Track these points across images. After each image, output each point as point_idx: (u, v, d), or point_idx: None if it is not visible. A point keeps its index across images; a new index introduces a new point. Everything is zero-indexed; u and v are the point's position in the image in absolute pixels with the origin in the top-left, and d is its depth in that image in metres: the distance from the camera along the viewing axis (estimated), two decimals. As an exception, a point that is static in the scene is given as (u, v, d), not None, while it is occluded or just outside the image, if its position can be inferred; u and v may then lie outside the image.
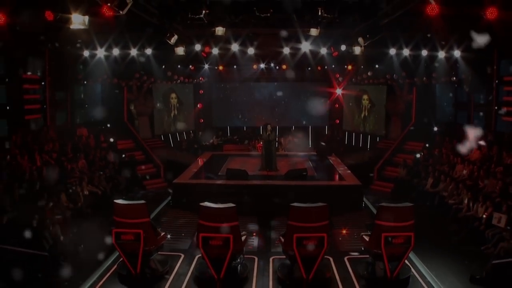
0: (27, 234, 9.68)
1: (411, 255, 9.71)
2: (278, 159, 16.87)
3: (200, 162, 18.58)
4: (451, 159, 15.29)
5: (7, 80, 15.08)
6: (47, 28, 11.66)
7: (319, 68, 21.96)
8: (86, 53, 17.34)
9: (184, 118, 23.75)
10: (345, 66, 21.60)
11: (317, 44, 17.11)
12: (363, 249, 9.62)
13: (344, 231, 12.41)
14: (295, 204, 8.73)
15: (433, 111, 19.85)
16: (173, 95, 23.03)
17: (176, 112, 23.30)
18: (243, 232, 9.36)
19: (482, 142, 14.80)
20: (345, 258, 10.05)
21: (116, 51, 17.35)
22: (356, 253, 10.26)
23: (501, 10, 9.93)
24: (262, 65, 21.17)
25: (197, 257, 9.99)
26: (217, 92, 24.78)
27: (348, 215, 13.49)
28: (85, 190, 13.58)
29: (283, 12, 13.06)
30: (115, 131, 19.58)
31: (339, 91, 23.90)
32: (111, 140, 18.68)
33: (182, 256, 10.25)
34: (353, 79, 22.80)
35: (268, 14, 11.99)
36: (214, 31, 14.09)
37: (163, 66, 20.24)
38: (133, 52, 17.55)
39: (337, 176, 15.96)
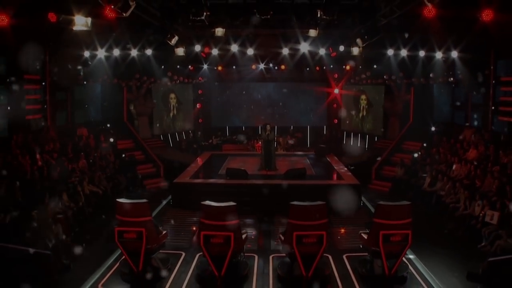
0: (30, 233, 9.81)
1: (409, 253, 9.86)
2: (277, 158, 17.02)
3: (199, 161, 18.72)
4: (449, 158, 15.44)
5: (8, 80, 15.17)
6: (49, 29, 11.74)
7: (317, 68, 22.10)
8: (86, 53, 17.44)
9: (184, 118, 23.86)
10: (344, 67, 21.74)
11: (315, 44, 17.25)
12: (361, 247, 9.75)
13: (342, 230, 12.57)
14: (295, 202, 8.87)
15: (431, 111, 20.01)
16: (172, 95, 23.14)
17: (175, 112, 23.41)
18: (244, 230, 9.50)
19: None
20: (344, 256, 10.19)
21: (116, 52, 17.46)
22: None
23: (496, 12, 10.10)
24: (261, 66, 21.28)
25: (198, 255, 10.11)
26: (216, 92, 24.89)
27: (346, 214, 13.63)
28: (86, 190, 13.70)
29: (282, 13, 13.22)
30: (115, 131, 19.68)
31: (337, 91, 24.06)
32: (111, 140, 18.77)
33: (183, 254, 10.37)
34: (352, 80, 22.95)
35: (268, 16, 12.12)
36: (214, 32, 14.20)
37: (162, 67, 20.35)
38: (134, 52, 17.67)
39: (335, 176, 16.11)
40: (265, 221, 12.95)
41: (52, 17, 10.25)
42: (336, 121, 24.41)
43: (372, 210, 13.13)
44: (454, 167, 14.64)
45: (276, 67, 21.88)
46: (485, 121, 16.78)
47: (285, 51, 18.04)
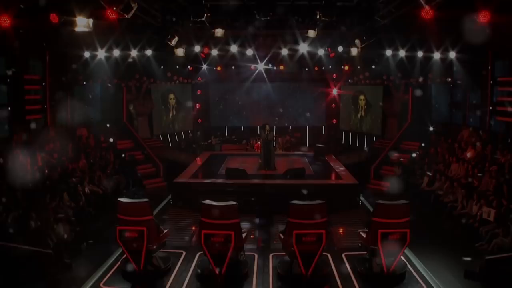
0: (31, 232, 9.89)
1: (407, 251, 9.96)
2: (276, 158, 17.11)
3: (199, 161, 18.81)
4: (447, 158, 15.54)
5: (8, 80, 15.24)
6: (50, 30, 11.81)
7: (316, 68, 22.18)
8: (86, 54, 17.51)
9: (183, 118, 23.94)
10: (342, 67, 21.83)
11: (314, 45, 17.35)
12: (360, 245, 9.85)
13: (341, 229, 12.67)
14: (295, 201, 8.97)
15: (429, 111, 20.12)
16: (172, 96, 23.21)
17: (174, 112, 23.48)
18: (244, 229, 9.59)
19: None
20: (343, 255, 10.29)
21: (116, 52, 17.54)
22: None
23: (493, 13, 10.21)
24: (261, 66, 21.37)
25: (198, 254, 10.21)
26: (215, 93, 24.96)
27: (345, 213, 13.76)
28: (87, 190, 13.77)
29: (281, 14, 13.32)
30: (114, 131, 19.74)
31: (336, 92, 24.17)
32: (111, 140, 18.83)
33: (184, 253, 10.47)
34: (350, 80, 23.06)
35: (268, 18, 12.22)
36: (214, 32, 14.29)
37: (162, 67, 20.43)
38: (134, 53, 17.75)
39: (334, 175, 16.22)
40: (265, 220, 13.04)
41: (54, 18, 10.33)
42: (335, 121, 24.50)
43: (371, 209, 13.22)
44: (452, 166, 14.76)
45: (275, 68, 21.96)
46: (482, 121, 16.89)
47: (284, 51, 18.14)
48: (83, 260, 9.90)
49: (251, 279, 9.23)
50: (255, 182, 14.88)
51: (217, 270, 8.75)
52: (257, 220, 13.05)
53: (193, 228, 12.57)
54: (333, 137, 23.86)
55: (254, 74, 22.48)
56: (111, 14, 9.99)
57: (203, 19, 11.79)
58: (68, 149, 15.81)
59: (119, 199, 9.38)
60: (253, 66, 21.58)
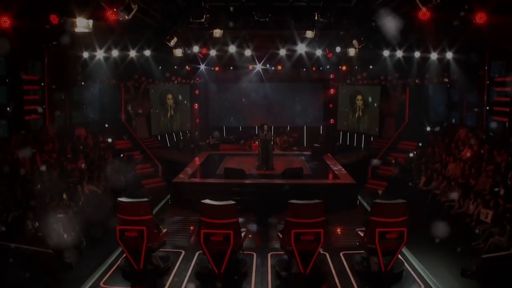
0: (32, 232, 9.94)
1: (404, 250, 10.06)
2: (274, 158, 17.19)
3: (197, 161, 18.87)
4: (444, 158, 15.63)
5: (7, 80, 15.28)
6: (49, 30, 11.85)
7: (314, 69, 22.28)
8: (85, 54, 17.56)
9: (181, 118, 23.99)
10: (340, 67, 21.94)
11: (312, 46, 17.43)
12: (358, 244, 9.95)
13: (339, 228, 12.76)
14: (293, 201, 9.05)
15: (426, 111, 20.23)
16: (170, 96, 23.26)
17: (172, 113, 23.54)
18: (243, 229, 9.67)
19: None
20: (341, 254, 10.38)
21: (115, 53, 17.59)
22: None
23: (490, 14, 10.31)
24: (259, 66, 21.44)
25: (197, 253, 10.29)
26: (213, 93, 25.01)
27: (343, 213, 13.84)
28: (86, 189, 13.81)
29: (280, 15, 13.40)
30: (113, 131, 19.78)
31: (333, 92, 24.27)
32: (109, 140, 18.87)
33: (183, 252, 10.55)
34: (348, 80, 23.15)
35: (267, 19, 12.29)
36: (212, 33, 14.35)
37: (160, 67, 20.48)
38: (132, 53, 17.81)
39: (332, 175, 16.31)
40: (263, 220, 13.11)
41: (54, 19, 10.37)
42: (332, 121, 24.59)
43: (368, 208, 13.32)
44: (449, 166, 14.86)
45: (273, 68, 22.04)
46: (479, 121, 17.00)
47: (282, 52, 18.21)
48: (83, 260, 9.96)
49: (250, 278, 9.32)
50: (254, 182, 14.94)
51: (216, 269, 8.82)
52: (255, 220, 13.12)
53: (192, 227, 12.65)
54: (331, 137, 23.94)
55: (252, 75, 22.57)
56: (111, 15, 10.05)
57: (203, 20, 11.83)
58: (67, 149, 15.85)
59: (118, 198, 9.43)
60: (251, 66, 21.66)
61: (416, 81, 19.50)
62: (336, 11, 12.04)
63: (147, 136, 21.68)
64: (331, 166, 17.60)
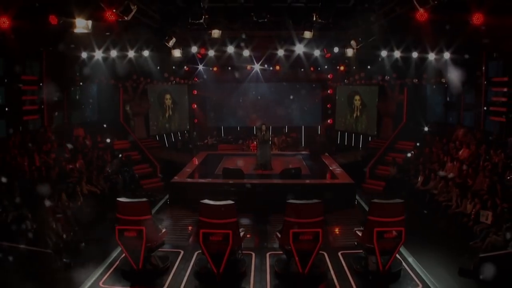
0: (31, 232, 9.96)
1: (402, 250, 10.10)
2: (272, 158, 17.23)
3: (195, 161, 18.90)
4: (441, 157, 15.70)
5: (6, 81, 15.29)
6: (48, 31, 11.87)
7: (312, 69, 22.34)
8: (84, 54, 17.57)
9: (179, 118, 24.01)
10: (338, 68, 22.00)
11: (310, 46, 17.48)
12: (356, 244, 9.99)
13: (337, 228, 12.81)
14: (291, 201, 9.09)
15: (424, 111, 20.30)
16: (168, 96, 23.27)
17: (170, 113, 23.55)
18: (241, 229, 9.71)
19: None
20: (339, 253, 10.41)
21: (114, 53, 17.62)
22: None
23: (487, 15, 10.37)
24: (257, 66, 21.48)
25: (196, 253, 10.30)
26: (211, 93, 25.02)
27: (341, 212, 13.89)
28: (84, 190, 13.84)
29: (278, 16, 13.43)
30: (111, 131, 19.79)
31: (331, 92, 24.33)
32: (108, 140, 18.88)
33: (182, 252, 10.55)
34: (346, 80, 23.21)
35: (265, 19, 12.32)
36: (211, 33, 14.38)
37: (158, 67, 20.51)
38: (131, 54, 17.84)
39: (330, 175, 16.36)
40: (261, 220, 13.16)
41: (53, 19, 10.39)
42: (330, 121, 24.65)
43: (366, 208, 13.38)
44: (446, 166, 14.92)
45: (271, 68, 22.09)
46: (477, 121, 17.07)
47: (280, 52, 18.26)
48: (82, 260, 9.94)
49: (248, 278, 9.34)
50: (252, 181, 14.98)
51: (215, 269, 8.86)
52: (254, 219, 13.15)
53: (190, 227, 12.69)
54: (329, 137, 23.99)
55: (250, 75, 22.60)
56: (110, 16, 10.08)
57: (201, 20, 11.86)
58: (66, 150, 15.86)
59: (118, 198, 9.45)
60: (249, 66, 21.70)
61: (414, 81, 19.56)
62: (334, 11, 12.06)
63: (145, 136, 21.69)
64: (329, 166, 17.65)
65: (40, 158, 14.32)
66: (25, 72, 16.27)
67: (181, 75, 22.80)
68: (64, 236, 10.88)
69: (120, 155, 18.27)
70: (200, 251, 9.49)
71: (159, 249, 9.89)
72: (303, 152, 21.39)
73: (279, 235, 9.56)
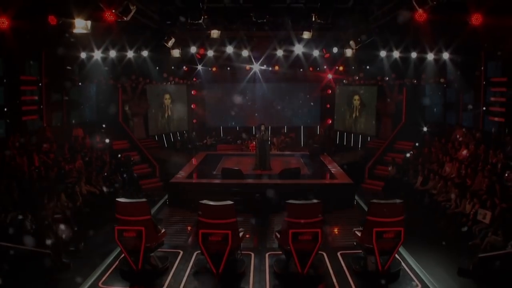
0: (30, 232, 9.95)
1: (401, 250, 10.11)
2: (271, 158, 17.23)
3: (195, 162, 18.90)
4: (440, 158, 15.71)
5: (5, 81, 15.28)
6: (47, 31, 11.88)
7: (311, 69, 22.35)
8: (83, 55, 17.57)
9: (178, 118, 24.00)
10: (337, 68, 22.01)
11: (309, 46, 17.50)
12: (355, 244, 9.99)
13: (336, 228, 12.81)
14: (291, 201, 9.09)
15: (423, 111, 20.32)
16: (167, 96, 23.25)
17: (169, 113, 23.54)
18: (241, 229, 9.71)
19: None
20: (338, 253, 10.41)
21: (113, 53, 17.62)
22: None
23: (486, 16, 10.39)
24: (256, 67, 21.48)
25: (195, 253, 10.29)
26: (210, 93, 25.03)
27: (340, 213, 13.90)
28: (83, 190, 13.83)
29: (277, 16, 13.45)
30: (110, 132, 19.78)
31: (330, 92, 24.34)
32: (107, 141, 18.87)
33: (181, 252, 10.54)
34: (345, 80, 23.23)
35: (265, 20, 12.34)
36: (210, 34, 14.39)
37: (157, 68, 20.50)
38: (130, 54, 17.84)
39: (329, 175, 16.36)
40: (261, 220, 13.15)
41: (52, 20, 10.40)
42: (329, 121, 24.67)
43: (366, 208, 13.38)
44: (445, 166, 14.93)
45: (270, 68, 22.09)
46: (476, 121, 17.09)
47: (280, 52, 18.27)
48: (82, 260, 9.93)
49: (248, 278, 9.33)
50: (251, 182, 14.99)
51: (214, 269, 8.86)
52: (253, 220, 13.15)
53: (189, 227, 12.69)
54: (328, 137, 24.00)
55: (249, 75, 22.61)
56: (110, 16, 10.09)
57: (200, 21, 11.87)
58: (65, 150, 15.86)
59: (117, 199, 9.44)
60: (248, 66, 21.70)
61: (413, 81, 19.58)
62: (333, 12, 12.09)
63: (144, 137, 21.68)
64: (328, 166, 17.65)
65: (39, 158, 14.31)
66: (24, 72, 16.24)
67: (180, 75, 22.82)
68: (63, 236, 10.88)
69: (119, 155, 18.28)
70: (199, 251, 9.50)
71: (159, 249, 9.89)
72: (302, 152, 21.37)
73: (279, 235, 9.57)
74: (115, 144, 19.24)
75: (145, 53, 17.83)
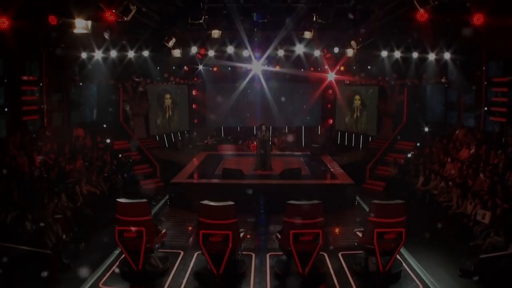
0: (30, 232, 9.94)
1: (403, 250, 10.08)
2: (272, 158, 17.21)
3: (195, 162, 18.88)
4: (442, 158, 15.67)
5: (5, 81, 15.27)
6: (47, 31, 11.87)
7: (312, 69, 22.32)
8: (83, 55, 17.56)
9: (179, 118, 23.99)
10: (338, 68, 21.97)
11: (310, 46, 17.47)
12: (356, 244, 9.97)
13: (337, 228, 12.79)
14: (292, 201, 9.07)
15: (424, 112, 20.29)
16: (168, 96, 23.25)
17: (170, 113, 23.54)
18: (241, 229, 9.68)
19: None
20: (339, 254, 10.39)
21: (113, 53, 17.61)
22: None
23: (487, 16, 10.36)
24: (256, 67, 21.44)
25: (196, 254, 10.29)
26: (211, 93, 25.02)
27: (341, 213, 13.87)
28: (84, 190, 13.82)
29: (278, 16, 13.44)
30: (111, 132, 19.77)
31: (331, 92, 24.32)
32: (108, 141, 18.85)
33: (182, 253, 10.53)
34: (346, 81, 23.20)
35: (265, 20, 12.33)
36: (210, 34, 14.36)
37: (158, 68, 20.48)
38: (131, 54, 17.83)
39: (330, 175, 16.33)
40: (261, 220, 13.14)
41: (52, 20, 10.38)
42: (330, 121, 24.64)
43: (367, 209, 13.36)
44: (446, 166, 14.90)
45: (271, 68, 22.06)
46: (477, 121, 17.05)
47: (281, 52, 18.24)
48: (82, 260, 9.93)
49: (248, 279, 9.32)
50: (252, 182, 14.96)
51: (215, 270, 8.84)
52: (254, 220, 13.13)
53: (190, 228, 12.67)
54: (329, 137, 23.98)
55: (250, 75, 22.58)
56: (110, 16, 10.07)
57: (201, 21, 11.86)
58: (65, 150, 15.85)
59: (117, 199, 9.42)
60: (249, 66, 21.67)
61: (414, 81, 19.55)
62: (334, 11, 12.06)
63: (145, 137, 21.66)
64: (329, 166, 17.62)
65: (40, 158, 14.29)
66: (25, 72, 16.23)
67: (181, 75, 22.83)
68: (64, 236, 10.88)
69: (120, 156, 18.27)
70: (200, 252, 9.49)
71: (159, 250, 9.87)
72: (303, 152, 21.34)
73: (279, 236, 9.54)
74: (115, 144, 19.22)
75: (145, 53, 17.81)
